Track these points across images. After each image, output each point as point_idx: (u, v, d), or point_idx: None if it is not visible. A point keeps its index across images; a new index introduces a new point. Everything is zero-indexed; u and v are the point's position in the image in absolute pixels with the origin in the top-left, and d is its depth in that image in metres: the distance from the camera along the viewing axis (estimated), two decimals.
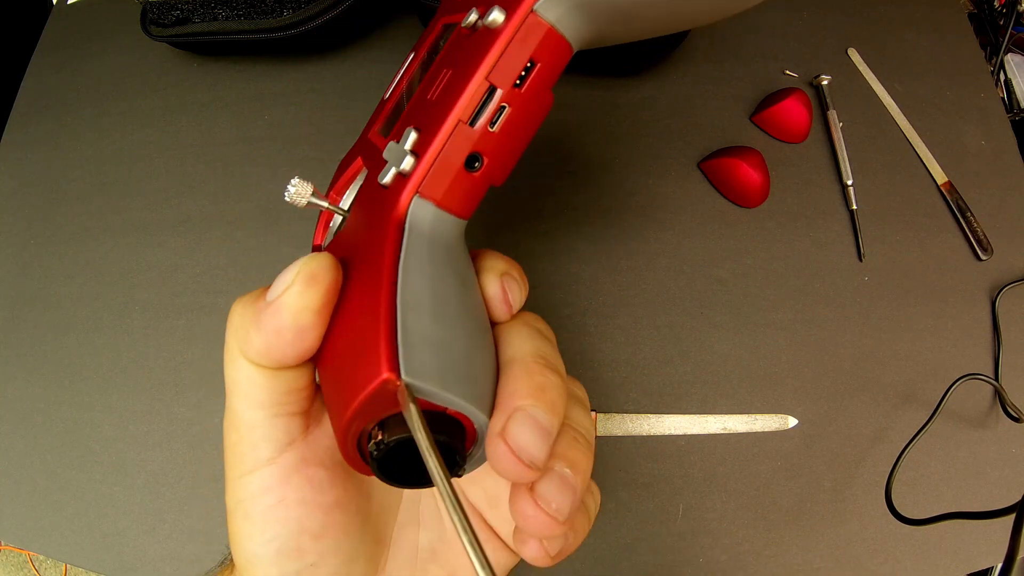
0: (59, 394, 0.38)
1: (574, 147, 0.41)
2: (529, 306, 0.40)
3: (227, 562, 0.23)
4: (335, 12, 0.40)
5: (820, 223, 0.40)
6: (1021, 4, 0.52)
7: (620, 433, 0.34)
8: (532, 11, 0.17)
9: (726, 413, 0.35)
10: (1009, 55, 0.54)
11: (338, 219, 0.22)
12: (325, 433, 0.19)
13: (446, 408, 0.15)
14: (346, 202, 0.23)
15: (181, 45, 0.45)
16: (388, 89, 0.25)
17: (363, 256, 0.17)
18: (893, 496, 0.31)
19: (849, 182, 0.40)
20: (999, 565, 0.25)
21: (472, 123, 0.18)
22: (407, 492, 0.21)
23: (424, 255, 0.17)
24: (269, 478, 0.18)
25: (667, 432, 0.34)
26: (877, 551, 0.33)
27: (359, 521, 0.20)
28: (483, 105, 0.18)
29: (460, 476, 0.16)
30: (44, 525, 0.35)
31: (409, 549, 0.21)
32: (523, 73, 0.18)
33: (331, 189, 0.24)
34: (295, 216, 0.40)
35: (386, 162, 0.18)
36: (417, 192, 0.17)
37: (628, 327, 0.36)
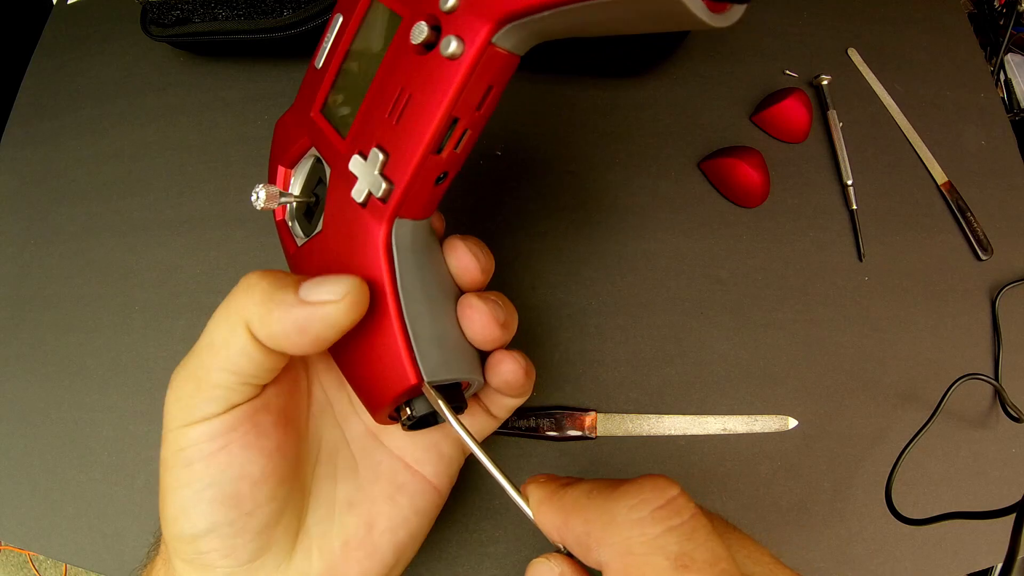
0: (59, 394, 0.38)
1: (574, 147, 0.41)
2: (530, 306, 0.40)
3: (149, 557, 0.23)
4: None
5: (820, 223, 0.40)
6: (1021, 4, 0.52)
7: (620, 433, 0.34)
8: (490, 43, 0.17)
9: (726, 413, 0.35)
10: (1009, 55, 0.54)
11: (291, 203, 0.23)
12: (281, 391, 0.20)
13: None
14: (295, 187, 0.23)
15: (181, 45, 0.45)
16: (318, 56, 0.23)
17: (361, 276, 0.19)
18: (893, 496, 0.31)
19: (849, 182, 0.40)
20: (999, 565, 0.25)
21: (439, 152, 0.19)
22: (324, 446, 0.23)
23: (413, 266, 0.20)
24: (218, 426, 0.18)
25: (667, 432, 0.34)
26: (877, 551, 0.33)
27: (293, 469, 0.20)
28: (448, 135, 0.19)
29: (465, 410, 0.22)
30: (44, 525, 0.35)
31: (327, 501, 0.22)
32: (482, 98, 0.18)
33: (279, 161, 0.24)
34: None
35: (353, 176, 0.20)
36: (396, 217, 0.20)
37: (628, 327, 0.36)
